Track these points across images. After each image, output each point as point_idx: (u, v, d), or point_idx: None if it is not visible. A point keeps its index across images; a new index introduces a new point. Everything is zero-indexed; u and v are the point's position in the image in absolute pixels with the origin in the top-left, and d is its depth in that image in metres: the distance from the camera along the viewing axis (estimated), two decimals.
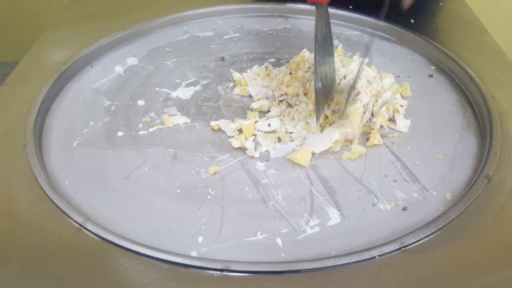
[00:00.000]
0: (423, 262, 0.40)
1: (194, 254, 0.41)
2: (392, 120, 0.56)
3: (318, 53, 0.52)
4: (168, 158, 0.52)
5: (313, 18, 0.77)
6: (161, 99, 0.62)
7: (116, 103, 0.61)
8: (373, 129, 0.55)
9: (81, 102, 0.61)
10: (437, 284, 0.39)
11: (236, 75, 0.64)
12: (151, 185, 0.49)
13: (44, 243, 0.42)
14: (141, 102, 0.61)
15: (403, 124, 0.55)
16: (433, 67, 0.67)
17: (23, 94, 0.59)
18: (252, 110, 0.59)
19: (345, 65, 0.63)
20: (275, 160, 0.52)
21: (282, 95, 0.59)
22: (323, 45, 0.53)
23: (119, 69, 0.67)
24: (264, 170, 0.51)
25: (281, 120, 0.56)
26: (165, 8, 0.78)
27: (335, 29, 0.76)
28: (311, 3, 0.54)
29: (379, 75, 0.62)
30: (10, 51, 1.58)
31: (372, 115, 0.56)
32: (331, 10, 0.77)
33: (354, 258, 0.40)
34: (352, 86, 0.53)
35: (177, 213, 0.46)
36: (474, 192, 0.46)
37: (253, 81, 0.62)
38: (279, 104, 0.58)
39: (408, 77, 0.65)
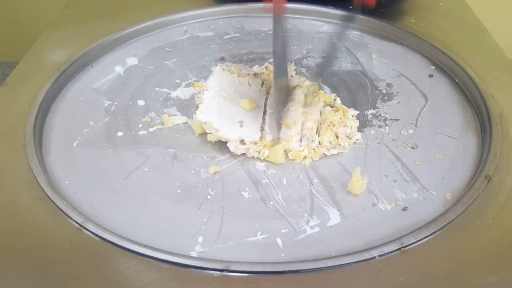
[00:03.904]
0: (423, 262, 0.40)
1: (194, 254, 0.41)
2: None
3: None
4: (168, 158, 0.52)
5: (313, 18, 0.78)
6: (161, 99, 0.62)
7: (116, 103, 0.61)
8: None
9: (81, 102, 0.61)
10: (437, 284, 0.39)
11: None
12: (151, 185, 0.49)
13: (44, 243, 0.42)
14: (141, 102, 0.61)
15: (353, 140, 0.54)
16: (433, 67, 0.67)
17: (23, 94, 0.59)
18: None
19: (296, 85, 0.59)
20: None
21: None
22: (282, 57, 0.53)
23: (119, 69, 0.67)
24: (264, 170, 0.51)
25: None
26: (165, 8, 0.78)
27: (335, 29, 0.76)
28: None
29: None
30: (10, 51, 1.58)
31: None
32: (332, 10, 0.77)
33: (354, 258, 0.40)
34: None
35: (177, 213, 0.46)
36: (474, 192, 0.46)
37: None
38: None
39: (408, 77, 0.65)
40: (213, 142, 0.53)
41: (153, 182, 0.49)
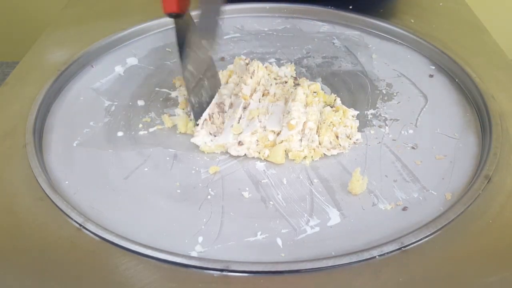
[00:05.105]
0: (423, 262, 0.40)
1: (194, 254, 0.41)
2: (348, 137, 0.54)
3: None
4: (168, 158, 0.52)
5: (314, 18, 0.78)
6: (161, 99, 0.62)
7: (116, 103, 0.61)
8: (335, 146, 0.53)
9: (81, 102, 0.61)
10: (437, 284, 0.39)
11: None
12: (151, 185, 0.49)
13: (44, 243, 0.42)
14: (141, 102, 0.61)
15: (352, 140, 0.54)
16: (433, 67, 0.67)
17: (23, 94, 0.59)
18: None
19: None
20: None
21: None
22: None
23: (119, 69, 0.67)
24: (264, 170, 0.51)
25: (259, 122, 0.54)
26: None
27: (335, 29, 0.76)
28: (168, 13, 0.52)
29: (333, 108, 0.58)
30: (10, 51, 1.58)
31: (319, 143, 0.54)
32: (332, 10, 0.77)
33: (354, 258, 0.40)
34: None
35: (177, 213, 0.46)
36: (474, 192, 0.46)
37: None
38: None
39: (408, 77, 0.65)
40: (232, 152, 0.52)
41: (153, 182, 0.49)
